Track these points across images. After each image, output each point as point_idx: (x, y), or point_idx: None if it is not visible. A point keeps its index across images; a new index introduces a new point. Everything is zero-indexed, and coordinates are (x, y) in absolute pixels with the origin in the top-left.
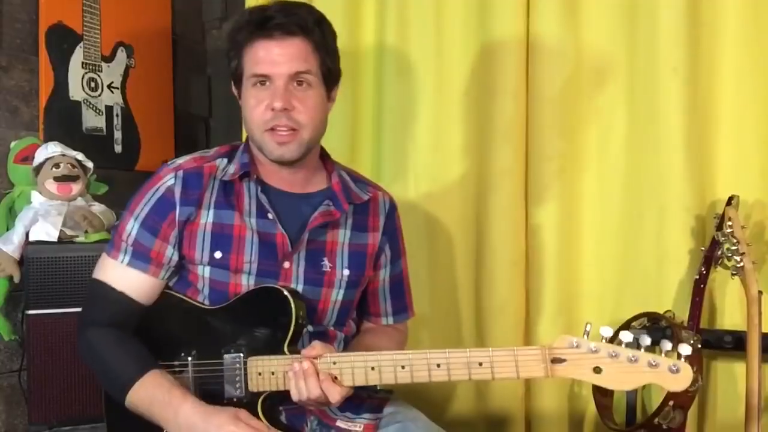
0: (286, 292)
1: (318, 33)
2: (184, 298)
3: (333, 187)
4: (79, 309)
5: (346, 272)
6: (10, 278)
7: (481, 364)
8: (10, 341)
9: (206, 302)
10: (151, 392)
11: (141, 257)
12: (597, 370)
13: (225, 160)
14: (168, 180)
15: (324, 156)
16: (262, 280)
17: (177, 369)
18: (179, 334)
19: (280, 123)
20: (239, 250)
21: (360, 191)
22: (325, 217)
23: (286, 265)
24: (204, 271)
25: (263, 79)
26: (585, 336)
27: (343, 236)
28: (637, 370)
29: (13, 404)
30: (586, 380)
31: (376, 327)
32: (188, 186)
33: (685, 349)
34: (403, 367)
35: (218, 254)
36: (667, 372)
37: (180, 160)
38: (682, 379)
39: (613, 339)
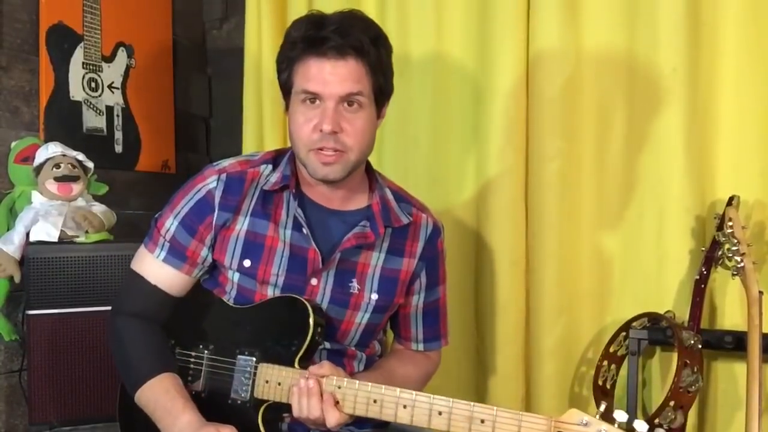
0: (308, 307)
1: (374, 53)
2: (213, 293)
3: (372, 208)
4: (79, 309)
5: (375, 296)
6: (11, 278)
7: (483, 421)
8: (11, 341)
9: (231, 303)
10: (158, 396)
11: (177, 255)
12: None
13: (269, 167)
14: (210, 182)
15: (369, 172)
16: (288, 294)
17: (193, 360)
18: (202, 326)
19: (327, 144)
20: (268, 261)
21: (401, 213)
22: (359, 240)
23: (314, 281)
24: (234, 276)
25: (313, 97)
26: (597, 416)
27: (376, 259)
28: None
29: (13, 404)
30: None
31: (405, 351)
32: (229, 191)
33: None
34: (405, 407)
35: (247, 262)
36: None
37: (225, 163)
38: None
39: (628, 426)
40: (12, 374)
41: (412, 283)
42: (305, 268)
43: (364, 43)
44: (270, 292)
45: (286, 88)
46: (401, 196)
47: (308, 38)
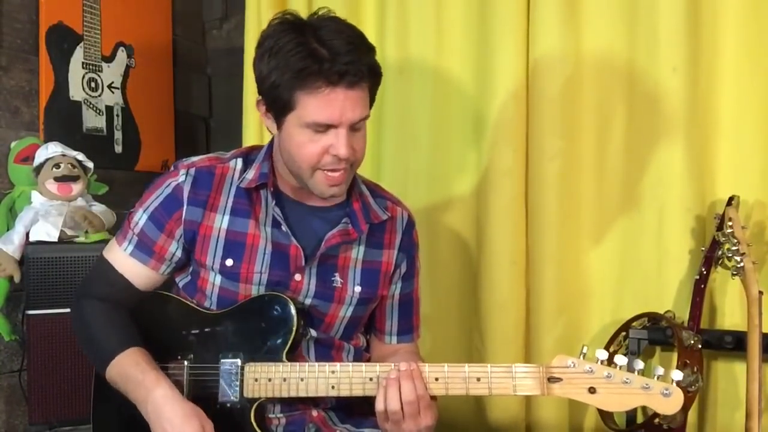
0: (289, 300)
1: (378, 77)
2: (185, 301)
3: (352, 205)
4: None
5: (358, 289)
6: (11, 278)
7: (479, 379)
8: (11, 341)
9: (213, 308)
10: (127, 369)
11: (144, 249)
12: (592, 390)
13: (240, 161)
14: (179, 177)
15: None
16: (273, 290)
17: (171, 373)
18: (177, 336)
19: (339, 167)
20: (251, 259)
21: (379, 209)
22: (343, 237)
23: (298, 277)
24: (215, 279)
25: (325, 128)
26: (581, 357)
27: (356, 252)
28: (631, 392)
29: (13, 404)
30: (580, 400)
31: (399, 348)
32: (197, 185)
33: (677, 374)
34: None
35: (229, 262)
36: (659, 395)
37: (195, 158)
38: (673, 403)
39: (609, 362)
40: (12, 374)
41: (393, 273)
42: (288, 264)
43: (375, 66)
44: (254, 292)
45: (283, 108)
46: (376, 191)
47: (320, 59)
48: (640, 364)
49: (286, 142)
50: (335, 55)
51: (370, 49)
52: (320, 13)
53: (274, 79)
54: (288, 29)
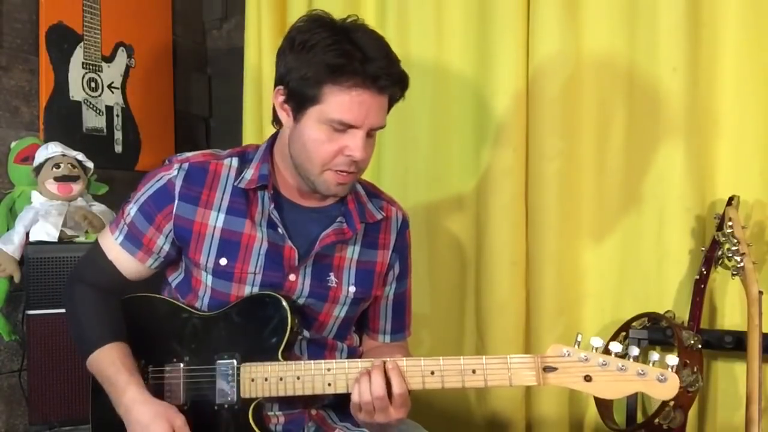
0: (282, 299)
1: (405, 87)
2: (178, 303)
3: (348, 204)
4: None
5: (353, 289)
6: (11, 278)
7: (474, 371)
8: (11, 341)
9: (204, 309)
10: (103, 367)
11: (133, 240)
12: (587, 378)
13: (235, 160)
14: (172, 171)
15: None
16: (266, 290)
17: (167, 375)
18: (172, 339)
19: (349, 169)
20: (245, 259)
21: (374, 209)
22: (338, 236)
23: (292, 277)
24: (207, 279)
25: (345, 128)
26: (576, 346)
27: (351, 252)
28: (626, 378)
29: (13, 404)
30: (576, 388)
31: (386, 346)
32: (190, 180)
33: (672, 359)
34: None
35: (223, 261)
36: (655, 381)
37: (189, 154)
38: (669, 388)
39: (604, 350)
40: (12, 374)
41: (387, 273)
42: (282, 265)
43: (402, 77)
44: (247, 292)
45: (306, 101)
46: (371, 191)
47: (357, 60)
48: (635, 351)
49: (302, 135)
50: (371, 59)
51: (399, 60)
52: (350, 20)
53: (304, 72)
54: (324, 26)
